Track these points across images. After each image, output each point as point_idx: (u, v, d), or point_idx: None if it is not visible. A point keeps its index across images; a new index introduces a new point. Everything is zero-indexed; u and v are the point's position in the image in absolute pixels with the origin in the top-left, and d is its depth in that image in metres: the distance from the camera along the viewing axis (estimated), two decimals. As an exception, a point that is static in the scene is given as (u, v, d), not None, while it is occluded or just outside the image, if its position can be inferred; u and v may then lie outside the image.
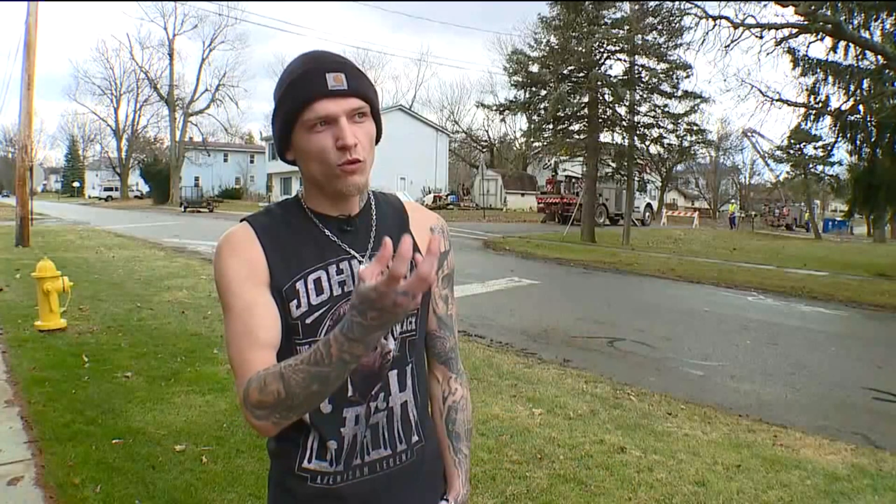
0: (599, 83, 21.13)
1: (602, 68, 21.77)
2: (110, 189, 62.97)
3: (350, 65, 1.08)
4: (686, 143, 23.02)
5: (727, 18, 14.43)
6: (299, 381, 0.90)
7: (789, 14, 14.29)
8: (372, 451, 1.12)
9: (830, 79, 15.25)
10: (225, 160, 64.38)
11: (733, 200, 52.37)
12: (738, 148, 52.20)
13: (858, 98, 15.26)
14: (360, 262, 1.12)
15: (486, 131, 59.75)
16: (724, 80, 24.24)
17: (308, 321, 1.07)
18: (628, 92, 21.34)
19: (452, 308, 1.29)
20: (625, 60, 21.82)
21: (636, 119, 21.91)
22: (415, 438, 1.18)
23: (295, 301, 1.07)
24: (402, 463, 1.16)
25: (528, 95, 22.89)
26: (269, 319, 1.04)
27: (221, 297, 1.07)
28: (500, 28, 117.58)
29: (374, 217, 1.18)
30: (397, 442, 1.15)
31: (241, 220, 1.14)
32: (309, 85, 1.04)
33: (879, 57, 14.18)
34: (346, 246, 1.12)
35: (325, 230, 1.12)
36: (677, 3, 17.13)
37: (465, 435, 1.29)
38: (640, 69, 21.64)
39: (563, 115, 21.84)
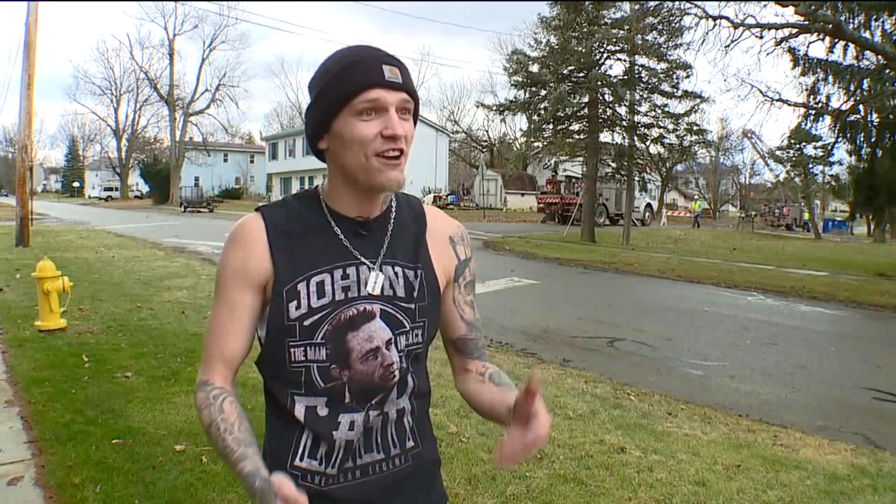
0: (599, 83, 21.12)
1: (602, 68, 21.77)
2: (110, 189, 63.02)
3: (403, 64, 1.08)
4: (686, 143, 23.02)
5: (727, 18, 14.42)
6: (211, 441, 1.08)
7: (789, 14, 14.29)
8: (364, 455, 1.11)
9: (830, 79, 15.25)
10: (225, 160, 64.37)
11: (697, 197, 49.40)
12: (738, 148, 52.13)
13: (858, 98, 15.26)
14: (368, 269, 1.10)
15: (486, 131, 59.82)
16: (724, 80, 24.31)
17: (306, 323, 1.06)
18: (628, 92, 21.34)
19: (476, 310, 1.29)
20: (625, 60, 21.83)
21: (636, 119, 21.91)
22: (410, 443, 1.16)
23: (295, 302, 1.06)
24: (397, 467, 1.14)
25: (528, 95, 22.88)
26: (239, 331, 1.11)
27: (216, 278, 1.12)
28: (500, 28, 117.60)
29: (392, 222, 1.15)
30: (391, 446, 1.13)
31: (257, 209, 1.14)
32: (366, 72, 1.04)
33: (879, 57, 14.18)
34: (356, 251, 1.10)
35: (339, 232, 1.11)
36: (677, 3, 17.13)
37: (512, 385, 1.24)
38: (640, 69, 21.64)
39: (563, 115, 21.84)
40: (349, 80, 1.04)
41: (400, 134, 1.04)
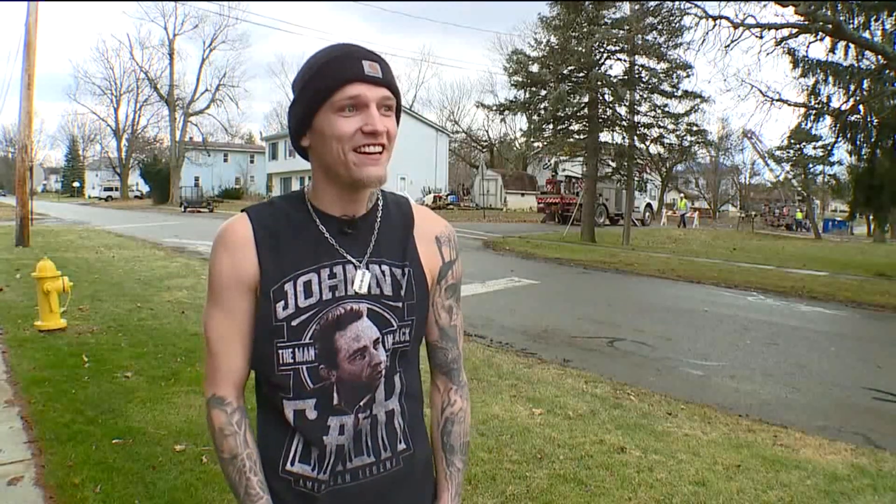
0: (599, 83, 21.13)
1: (602, 68, 21.77)
2: (110, 189, 63.04)
3: (384, 60, 1.08)
4: (686, 143, 23.03)
5: (727, 18, 14.42)
6: (228, 473, 1.11)
7: (789, 14, 14.29)
8: (355, 458, 1.10)
9: (830, 79, 15.24)
10: (225, 160, 64.34)
11: (682, 195, 46.50)
12: (738, 148, 52.03)
13: (858, 98, 15.26)
14: (355, 268, 1.10)
15: (486, 131, 59.85)
16: (724, 80, 24.21)
17: (294, 323, 1.06)
18: (628, 92, 21.34)
19: (457, 318, 1.25)
20: (625, 60, 21.83)
21: (636, 119, 21.91)
22: (401, 446, 1.15)
23: (282, 302, 1.06)
24: (388, 470, 1.13)
25: (528, 95, 22.89)
26: (243, 343, 1.11)
27: (208, 283, 1.12)
28: (500, 28, 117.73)
29: (378, 221, 1.14)
30: (381, 449, 1.12)
31: (243, 211, 1.14)
32: (345, 68, 1.03)
33: (879, 57, 14.18)
34: (342, 250, 1.10)
35: (325, 231, 1.10)
36: (677, 3, 17.13)
37: (459, 448, 1.26)
38: (640, 69, 21.64)
39: (563, 115, 21.85)
40: (329, 76, 1.03)
41: (381, 130, 1.04)
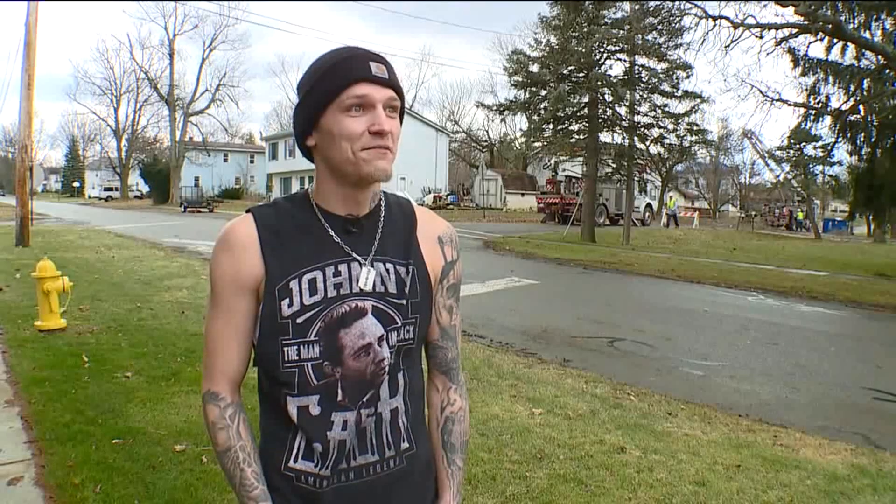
0: (599, 83, 21.12)
1: (602, 68, 21.76)
2: (110, 189, 63.04)
3: (390, 63, 1.10)
4: (686, 143, 23.02)
5: (727, 18, 14.42)
6: (223, 466, 1.13)
7: (789, 14, 14.29)
8: (359, 456, 1.11)
9: (830, 79, 15.24)
10: (225, 160, 64.34)
11: (671, 194, 44.22)
12: (737, 148, 51.94)
13: (858, 98, 15.26)
14: (360, 265, 1.11)
15: (486, 131, 59.81)
16: (724, 80, 24.22)
17: (299, 321, 1.07)
18: (628, 92, 21.33)
19: (456, 318, 1.27)
20: (625, 60, 21.82)
21: (636, 119, 21.91)
22: (405, 445, 1.16)
23: (287, 300, 1.07)
24: (391, 469, 1.14)
25: (528, 95, 22.89)
26: (240, 342, 1.12)
27: (210, 284, 1.13)
28: (500, 28, 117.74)
29: (382, 220, 1.16)
30: (385, 448, 1.13)
31: (248, 211, 1.15)
32: (352, 68, 1.05)
33: (879, 57, 14.18)
34: (348, 248, 1.11)
35: (329, 229, 1.11)
36: (677, 3, 17.13)
37: (460, 447, 1.27)
38: (640, 69, 21.63)
39: (563, 115, 21.85)
40: (337, 76, 1.05)
41: (387, 130, 1.05)
